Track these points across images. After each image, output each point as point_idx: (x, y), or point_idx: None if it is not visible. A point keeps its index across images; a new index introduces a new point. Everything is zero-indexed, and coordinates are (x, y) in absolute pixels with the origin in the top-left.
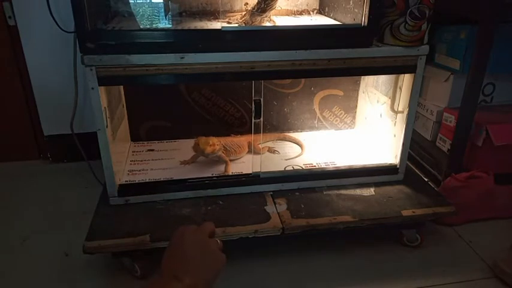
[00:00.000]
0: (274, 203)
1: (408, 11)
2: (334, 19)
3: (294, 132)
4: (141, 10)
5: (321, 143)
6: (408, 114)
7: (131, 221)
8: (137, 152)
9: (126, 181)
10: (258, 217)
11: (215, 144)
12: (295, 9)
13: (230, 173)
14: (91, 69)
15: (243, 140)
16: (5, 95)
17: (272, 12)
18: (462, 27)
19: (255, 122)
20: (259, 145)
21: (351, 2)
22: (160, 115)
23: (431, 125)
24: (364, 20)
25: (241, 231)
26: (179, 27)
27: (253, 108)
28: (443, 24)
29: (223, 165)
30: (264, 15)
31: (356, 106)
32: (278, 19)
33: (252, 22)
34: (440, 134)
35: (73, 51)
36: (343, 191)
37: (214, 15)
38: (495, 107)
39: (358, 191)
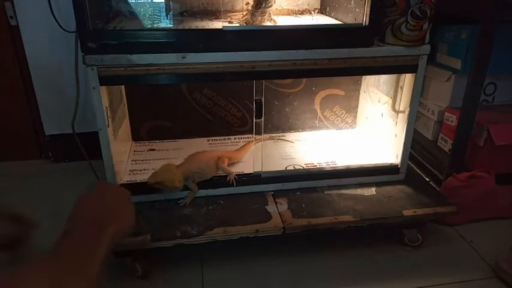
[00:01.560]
0: (275, 203)
1: (409, 11)
2: (336, 19)
3: (295, 132)
4: (142, 10)
5: (322, 143)
6: (409, 114)
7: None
8: (138, 151)
9: (127, 181)
10: (258, 217)
11: (168, 186)
12: (297, 8)
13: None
14: (92, 69)
15: (214, 155)
16: (6, 94)
17: (273, 11)
18: (463, 27)
19: (256, 122)
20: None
21: (352, 1)
22: (162, 115)
23: (433, 124)
24: (365, 20)
25: (242, 230)
26: (180, 27)
27: (254, 108)
28: (445, 24)
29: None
30: (264, 14)
31: (357, 106)
32: (279, 19)
33: (253, 22)
34: (442, 134)
35: (74, 51)
36: (344, 191)
37: (216, 14)
38: (496, 106)
39: (359, 191)
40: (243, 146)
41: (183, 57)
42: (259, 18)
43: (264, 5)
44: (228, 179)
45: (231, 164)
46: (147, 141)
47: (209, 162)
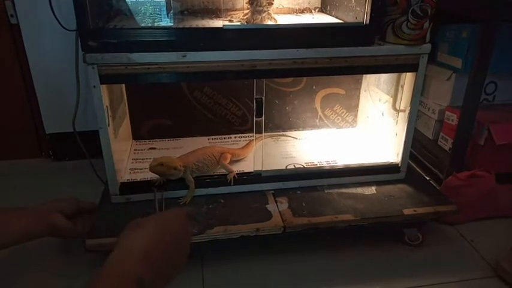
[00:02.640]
0: (276, 202)
1: (410, 10)
2: (336, 17)
3: (295, 130)
4: (142, 8)
5: (322, 142)
6: (410, 113)
7: (132, 219)
8: (139, 150)
9: (128, 179)
10: (259, 216)
11: (170, 167)
12: (297, 7)
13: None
14: (93, 68)
15: (216, 150)
16: (7, 93)
17: (274, 10)
18: (464, 26)
19: (256, 121)
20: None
21: (353, 0)
22: (162, 113)
23: (433, 123)
24: (366, 19)
25: (242, 229)
26: (181, 26)
27: (254, 107)
28: (446, 23)
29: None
30: (265, 12)
31: (358, 105)
32: (280, 17)
33: (254, 20)
34: (442, 133)
35: (75, 50)
36: (344, 190)
37: (216, 13)
38: (497, 105)
39: (359, 190)
40: (248, 143)
41: (184, 56)
42: (259, 17)
43: (264, 2)
44: (228, 177)
45: (235, 162)
46: (147, 140)
47: (208, 156)
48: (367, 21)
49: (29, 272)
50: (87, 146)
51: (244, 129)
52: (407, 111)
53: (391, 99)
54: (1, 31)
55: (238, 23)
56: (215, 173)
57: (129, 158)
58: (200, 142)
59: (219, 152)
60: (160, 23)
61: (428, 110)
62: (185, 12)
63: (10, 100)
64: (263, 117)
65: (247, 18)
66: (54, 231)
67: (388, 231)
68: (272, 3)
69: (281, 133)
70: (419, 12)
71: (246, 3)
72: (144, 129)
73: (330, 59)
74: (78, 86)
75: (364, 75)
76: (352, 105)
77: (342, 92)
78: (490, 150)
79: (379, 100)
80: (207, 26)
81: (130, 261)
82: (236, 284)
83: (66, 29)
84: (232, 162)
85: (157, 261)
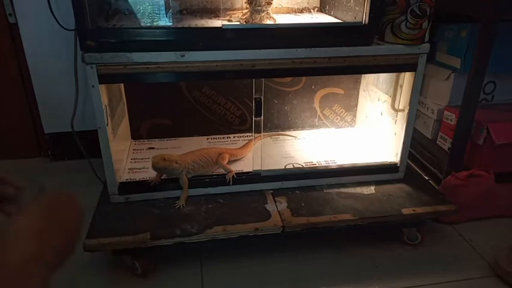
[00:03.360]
0: (275, 201)
1: (409, 9)
2: (335, 17)
3: (294, 130)
4: (141, 8)
5: (321, 141)
6: (409, 112)
7: (132, 219)
8: (138, 150)
9: (126, 179)
10: (258, 215)
11: (172, 160)
12: (296, 7)
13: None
14: (92, 67)
15: (213, 151)
16: (5, 92)
17: (273, 10)
18: (463, 25)
19: (255, 120)
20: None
21: (352, 0)
22: (161, 113)
23: (432, 123)
24: (365, 18)
25: (241, 229)
26: (180, 25)
27: (253, 107)
28: (444, 23)
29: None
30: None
31: (357, 104)
32: (279, 17)
33: (253, 20)
34: (441, 133)
35: (74, 49)
36: (343, 189)
37: (215, 13)
38: (496, 105)
39: (358, 190)
40: (246, 143)
41: (183, 56)
42: (259, 16)
43: (263, 2)
44: (226, 177)
45: (233, 161)
46: (146, 140)
47: (204, 158)
48: (366, 21)
49: None
50: (85, 145)
51: (243, 129)
52: (406, 111)
53: (390, 98)
54: None
55: (237, 23)
56: (214, 173)
57: (128, 157)
58: (199, 142)
59: (217, 153)
60: (159, 22)
61: (427, 109)
62: (184, 11)
63: (9, 100)
64: (262, 117)
65: (246, 17)
66: None
67: (387, 231)
68: (271, 3)
69: (280, 132)
70: (418, 12)
71: (245, 2)
72: (143, 129)
73: (329, 59)
74: (77, 86)
75: (363, 75)
76: (351, 105)
77: (341, 91)
78: (489, 149)
79: (378, 100)
80: (206, 25)
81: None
82: (235, 284)
83: (64, 28)
84: (230, 162)
85: (50, 238)
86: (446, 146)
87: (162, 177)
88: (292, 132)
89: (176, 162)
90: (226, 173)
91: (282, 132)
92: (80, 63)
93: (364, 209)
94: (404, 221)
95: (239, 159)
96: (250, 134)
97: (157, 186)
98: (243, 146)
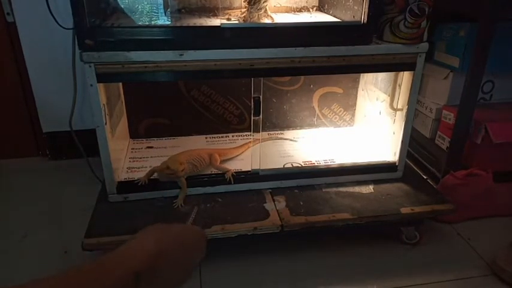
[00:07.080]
0: (273, 201)
1: (408, 8)
2: (334, 16)
3: (293, 129)
4: (140, 7)
5: (320, 141)
6: (407, 111)
7: (130, 218)
8: (136, 149)
9: (125, 178)
10: (257, 214)
11: (184, 163)
12: (295, 6)
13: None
14: (90, 66)
15: (204, 152)
16: (3, 91)
17: (271, 9)
18: (462, 25)
19: (254, 120)
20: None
21: None
22: (160, 112)
23: (431, 122)
24: (363, 17)
25: (240, 228)
26: (178, 24)
27: (252, 106)
28: (443, 22)
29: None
30: (260, 10)
31: (355, 104)
32: (277, 16)
33: (251, 19)
34: (439, 132)
35: (72, 48)
36: (341, 189)
37: (214, 12)
38: (494, 104)
39: (357, 189)
40: (242, 145)
41: (181, 55)
42: (257, 15)
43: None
44: (226, 176)
45: (225, 161)
46: (144, 139)
47: (196, 158)
48: (365, 20)
49: (28, 271)
50: (84, 144)
51: (242, 128)
52: (405, 110)
53: (389, 98)
54: None
55: (236, 22)
56: (213, 172)
57: (127, 156)
58: (197, 141)
59: (208, 154)
60: (158, 21)
61: (426, 108)
62: (182, 10)
63: (7, 99)
64: (261, 116)
65: (244, 16)
66: None
67: (386, 230)
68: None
69: (278, 136)
70: (417, 11)
71: (244, 1)
72: (141, 128)
73: (327, 58)
74: (75, 85)
75: (361, 74)
76: (349, 104)
77: (340, 90)
78: (487, 148)
79: (377, 99)
80: (204, 24)
81: (136, 256)
82: (234, 283)
83: (63, 27)
84: (223, 161)
85: (161, 265)
86: (444, 145)
87: (152, 177)
88: (290, 131)
89: (180, 163)
90: (223, 172)
91: (281, 137)
92: (78, 62)
93: (363, 208)
94: (403, 220)
95: (231, 158)
96: (249, 133)
97: (156, 185)
98: (238, 146)
